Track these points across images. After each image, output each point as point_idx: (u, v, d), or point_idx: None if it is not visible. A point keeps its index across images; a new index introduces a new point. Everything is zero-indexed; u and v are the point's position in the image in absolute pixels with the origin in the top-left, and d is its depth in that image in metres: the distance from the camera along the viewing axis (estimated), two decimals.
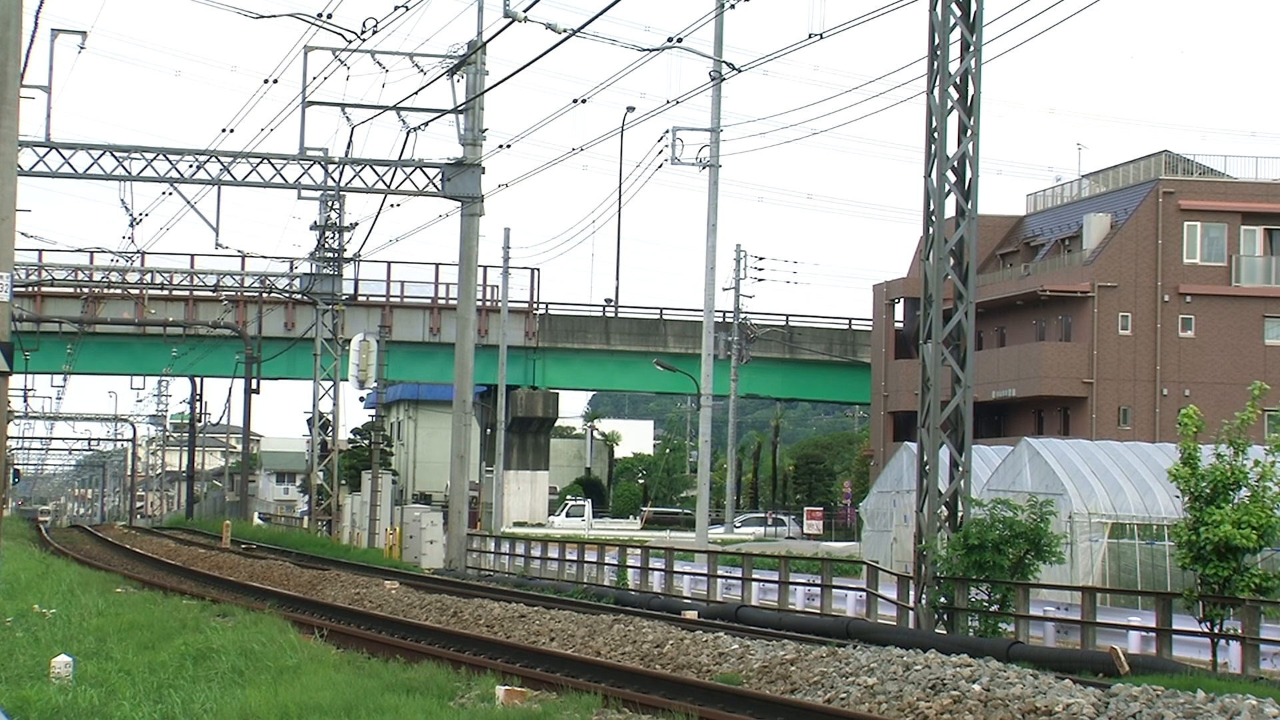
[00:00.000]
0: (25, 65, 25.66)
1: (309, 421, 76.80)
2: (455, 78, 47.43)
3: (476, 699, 17.75)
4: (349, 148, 49.40)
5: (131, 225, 55.30)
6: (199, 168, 48.88)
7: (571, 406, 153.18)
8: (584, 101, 42.14)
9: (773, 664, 21.53)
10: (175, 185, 49.73)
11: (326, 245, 70.16)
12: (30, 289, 78.99)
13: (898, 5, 31.20)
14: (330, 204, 68.90)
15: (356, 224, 70.05)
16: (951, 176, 29.02)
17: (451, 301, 77.08)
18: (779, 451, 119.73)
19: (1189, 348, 68.06)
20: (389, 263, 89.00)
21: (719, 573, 39.61)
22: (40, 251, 77.66)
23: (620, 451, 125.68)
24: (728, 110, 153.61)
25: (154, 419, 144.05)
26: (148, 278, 78.49)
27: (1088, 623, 26.84)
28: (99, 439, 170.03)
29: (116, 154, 48.20)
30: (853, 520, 78.64)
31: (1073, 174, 78.84)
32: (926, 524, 28.89)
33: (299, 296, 77.49)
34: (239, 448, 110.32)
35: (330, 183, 50.33)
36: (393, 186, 49.56)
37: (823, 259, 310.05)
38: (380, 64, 47.57)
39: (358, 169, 49.43)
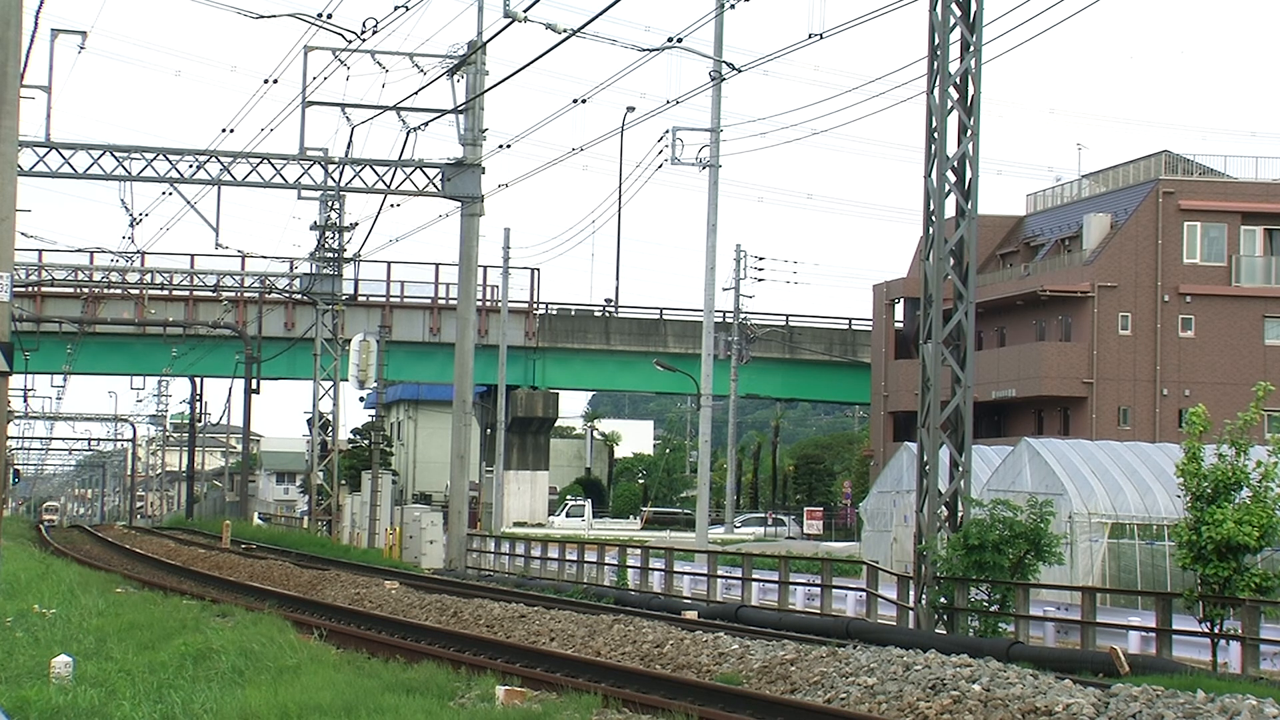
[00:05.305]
0: (25, 65, 25.65)
1: (309, 421, 76.79)
2: (455, 78, 47.44)
3: (476, 699, 17.75)
4: (349, 148, 49.43)
5: (131, 225, 55.34)
6: (199, 168, 48.88)
7: (571, 406, 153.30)
8: (584, 101, 42.21)
9: (773, 664, 21.52)
10: (175, 185, 49.74)
11: (326, 245, 70.16)
12: (30, 289, 78.99)
13: (898, 5, 31.23)
14: (330, 204, 68.90)
15: (356, 224, 70.12)
16: (951, 176, 29.02)
17: (451, 301, 77.07)
18: (779, 451, 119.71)
19: (1189, 348, 68.05)
20: (389, 263, 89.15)
21: (719, 573, 39.60)
22: (40, 251, 77.74)
23: (620, 451, 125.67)
24: (728, 110, 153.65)
25: (154, 419, 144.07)
26: (148, 278, 78.50)
27: (1088, 623, 26.84)
28: (99, 439, 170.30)
29: (116, 154, 48.19)
30: (853, 520, 78.63)
31: (1073, 174, 78.93)
32: (926, 524, 28.88)
33: (299, 296, 77.49)
34: (239, 448, 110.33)
35: (330, 183, 50.33)
36: (393, 186, 49.56)
37: (823, 259, 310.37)
38: (380, 64, 47.60)
39: (358, 169, 49.43)
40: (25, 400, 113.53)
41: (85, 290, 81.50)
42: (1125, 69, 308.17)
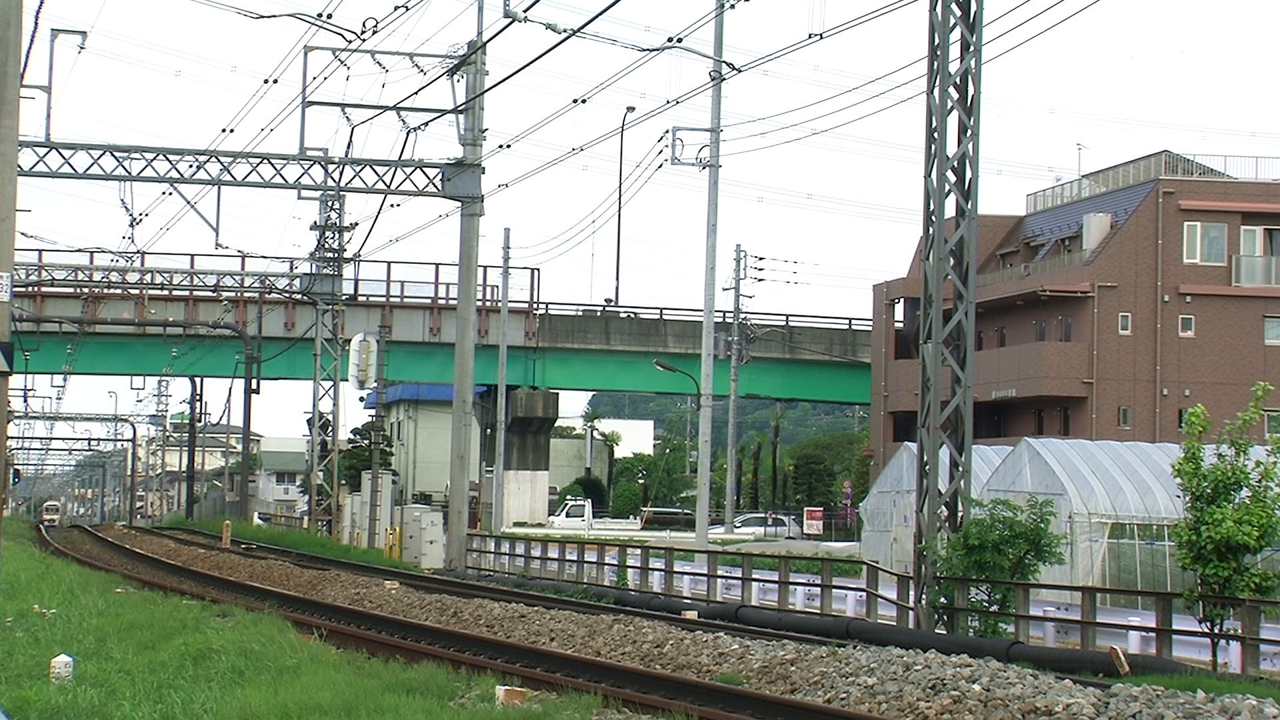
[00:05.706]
0: (25, 65, 25.65)
1: (309, 421, 76.80)
2: (455, 78, 47.44)
3: (476, 699, 17.75)
4: (349, 148, 49.43)
5: (131, 225, 55.34)
6: (199, 168, 48.89)
7: (571, 406, 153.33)
8: (584, 101, 42.22)
9: (773, 664, 21.52)
10: (175, 185, 49.74)
11: (326, 245, 70.16)
12: (30, 289, 78.99)
13: (898, 5, 31.23)
14: (330, 204, 68.90)
15: (356, 224, 70.12)
16: (951, 176, 29.02)
17: (451, 301, 77.07)
18: (779, 451, 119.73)
19: (1189, 348, 68.05)
20: (389, 263, 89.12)
21: (719, 573, 39.60)
22: (40, 251, 77.74)
23: (620, 451, 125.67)
24: (728, 110, 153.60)
25: (154, 419, 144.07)
26: (148, 278, 78.52)
27: (1088, 623, 26.84)
28: (99, 439, 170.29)
29: (116, 154, 48.20)
30: (853, 520, 78.63)
31: (1073, 174, 78.92)
32: (926, 524, 28.88)
33: (299, 296, 77.50)
34: (239, 448, 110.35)
35: (330, 183, 50.34)
36: (393, 186, 49.56)
37: (823, 259, 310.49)
38: (380, 64, 47.60)
39: (358, 169, 49.43)
40: (25, 400, 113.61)
41: (85, 290, 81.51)
42: (1125, 69, 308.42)
